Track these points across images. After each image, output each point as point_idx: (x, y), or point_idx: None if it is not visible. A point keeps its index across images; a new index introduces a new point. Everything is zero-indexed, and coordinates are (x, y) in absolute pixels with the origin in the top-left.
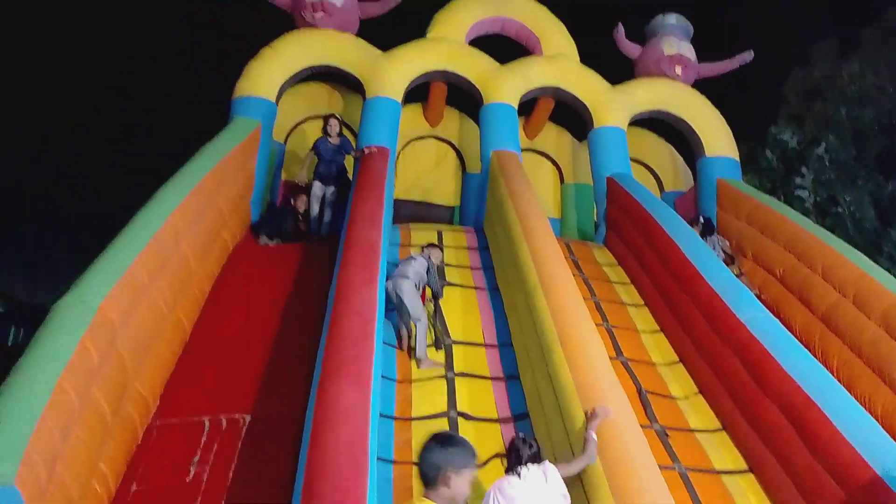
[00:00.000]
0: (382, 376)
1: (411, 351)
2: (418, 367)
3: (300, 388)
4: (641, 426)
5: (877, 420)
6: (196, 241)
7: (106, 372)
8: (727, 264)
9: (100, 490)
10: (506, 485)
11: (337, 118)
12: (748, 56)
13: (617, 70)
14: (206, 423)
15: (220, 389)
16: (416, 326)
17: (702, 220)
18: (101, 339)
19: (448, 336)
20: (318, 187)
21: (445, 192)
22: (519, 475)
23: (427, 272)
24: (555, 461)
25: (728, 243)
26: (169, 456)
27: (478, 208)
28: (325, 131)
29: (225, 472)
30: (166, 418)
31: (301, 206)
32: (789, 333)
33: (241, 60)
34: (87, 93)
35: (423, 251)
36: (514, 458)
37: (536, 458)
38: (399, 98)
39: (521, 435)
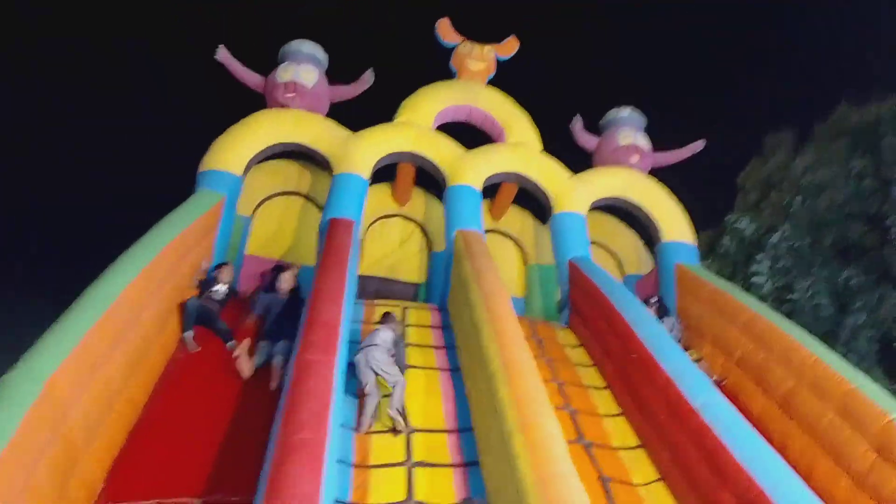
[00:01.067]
0: (339, 461)
1: (370, 427)
2: (396, 427)
3: (253, 470)
4: None
5: None
6: (153, 314)
7: (52, 450)
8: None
9: None
10: None
11: (294, 272)
12: (699, 145)
13: (576, 159)
14: None
15: (170, 471)
16: (394, 389)
17: (654, 300)
18: (49, 414)
19: (407, 424)
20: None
21: (411, 269)
22: None
23: (394, 343)
24: None
25: (681, 328)
26: None
27: (443, 286)
28: (274, 286)
29: None
30: (112, 501)
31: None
32: (743, 419)
33: (209, 138)
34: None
35: (384, 323)
36: None
37: None
38: (366, 175)
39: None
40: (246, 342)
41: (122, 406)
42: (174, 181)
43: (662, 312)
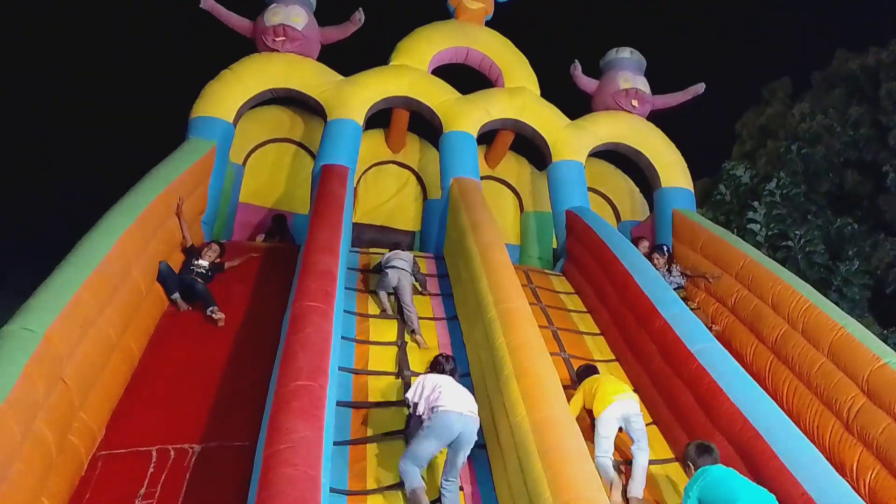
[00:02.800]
0: (338, 403)
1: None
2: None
3: (251, 418)
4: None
5: (826, 450)
6: (146, 265)
7: (51, 402)
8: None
9: None
10: (433, 374)
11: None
12: (700, 88)
13: (576, 104)
14: (154, 454)
15: (168, 419)
16: (410, 316)
17: (665, 248)
18: (46, 367)
19: (408, 367)
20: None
21: (406, 217)
22: (443, 371)
23: (414, 263)
24: (509, 495)
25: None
26: (114, 488)
27: (438, 235)
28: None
29: (172, 503)
30: (112, 449)
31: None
32: (738, 365)
33: (199, 84)
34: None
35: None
36: (437, 368)
37: (454, 374)
38: (360, 121)
39: (442, 353)
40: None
41: (119, 358)
42: (164, 128)
43: (667, 262)
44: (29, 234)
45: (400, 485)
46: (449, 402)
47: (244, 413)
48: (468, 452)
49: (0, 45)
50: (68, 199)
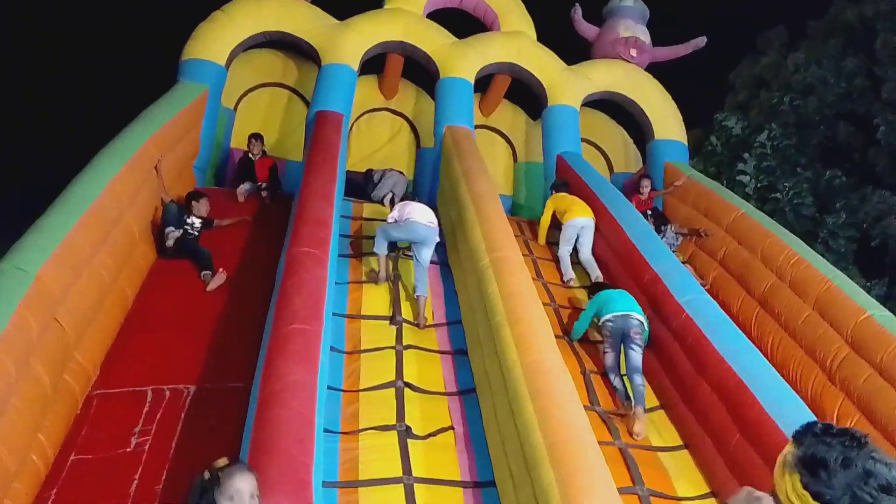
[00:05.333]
0: (332, 348)
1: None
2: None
3: (246, 360)
4: (584, 407)
5: (808, 399)
6: (139, 208)
7: (45, 341)
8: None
9: (38, 461)
10: (405, 202)
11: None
12: (701, 42)
13: (573, 51)
14: (149, 393)
15: (163, 361)
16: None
17: (650, 213)
18: (39, 307)
19: (400, 313)
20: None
21: (399, 165)
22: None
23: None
24: (499, 436)
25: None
26: (109, 426)
27: (431, 184)
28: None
29: (167, 442)
30: (107, 388)
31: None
32: (725, 315)
33: (191, 24)
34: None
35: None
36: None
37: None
38: (355, 66)
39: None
40: (221, 276)
41: (112, 301)
42: (155, 70)
43: (660, 222)
44: (18, 176)
45: (392, 426)
46: (415, 215)
47: (239, 356)
48: (430, 251)
49: None
50: (57, 140)
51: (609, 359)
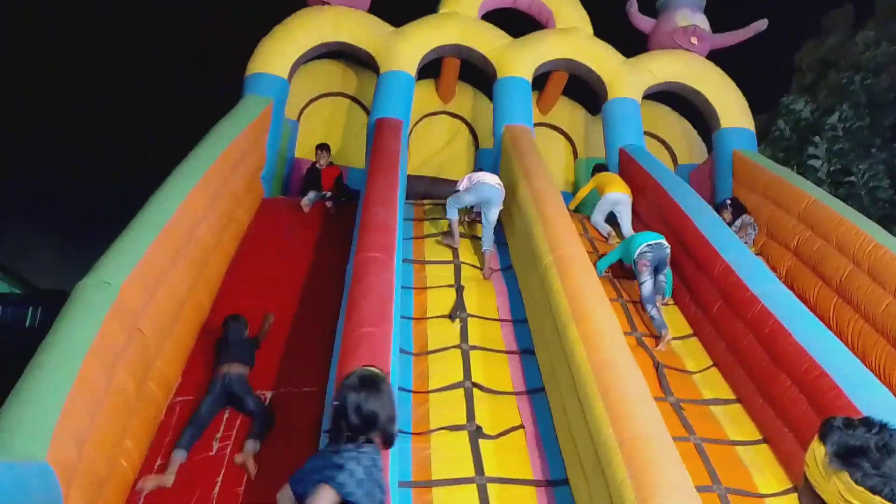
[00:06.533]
0: (401, 350)
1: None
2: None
3: (320, 365)
4: (656, 398)
5: (891, 390)
6: (212, 221)
7: (129, 351)
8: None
9: (126, 466)
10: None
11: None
12: (762, 24)
13: (630, 45)
14: None
15: None
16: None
17: (729, 201)
18: (123, 319)
19: (464, 310)
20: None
21: (458, 167)
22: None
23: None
24: (569, 434)
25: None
26: None
27: None
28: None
29: None
30: (188, 395)
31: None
32: (803, 305)
33: (253, 40)
34: (94, 74)
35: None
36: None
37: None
38: (413, 72)
39: None
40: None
41: (190, 311)
42: (221, 88)
43: (738, 212)
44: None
45: (463, 426)
46: (483, 178)
47: (313, 361)
48: (497, 210)
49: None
50: (130, 161)
51: (647, 288)
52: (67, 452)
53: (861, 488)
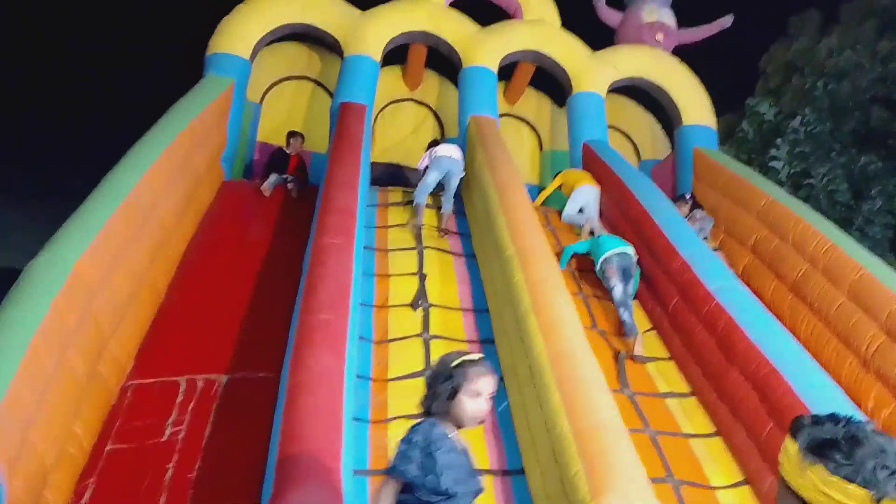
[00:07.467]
0: (360, 337)
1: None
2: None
3: (276, 350)
4: (613, 391)
5: (842, 387)
6: (173, 201)
7: (81, 333)
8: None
9: (74, 452)
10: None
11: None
12: (727, 21)
13: (598, 38)
14: (182, 384)
15: (195, 351)
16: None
17: (689, 196)
18: (76, 299)
19: (426, 299)
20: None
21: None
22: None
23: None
24: (526, 423)
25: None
26: (144, 416)
27: None
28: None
29: (201, 432)
30: (141, 379)
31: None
32: (758, 301)
33: (216, 18)
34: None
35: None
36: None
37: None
38: (378, 57)
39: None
40: None
41: (146, 292)
42: (180, 64)
43: (695, 205)
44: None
45: (422, 414)
46: (442, 151)
47: (268, 346)
48: (457, 179)
49: None
50: (90, 135)
51: (617, 292)
52: (12, 439)
53: (836, 478)
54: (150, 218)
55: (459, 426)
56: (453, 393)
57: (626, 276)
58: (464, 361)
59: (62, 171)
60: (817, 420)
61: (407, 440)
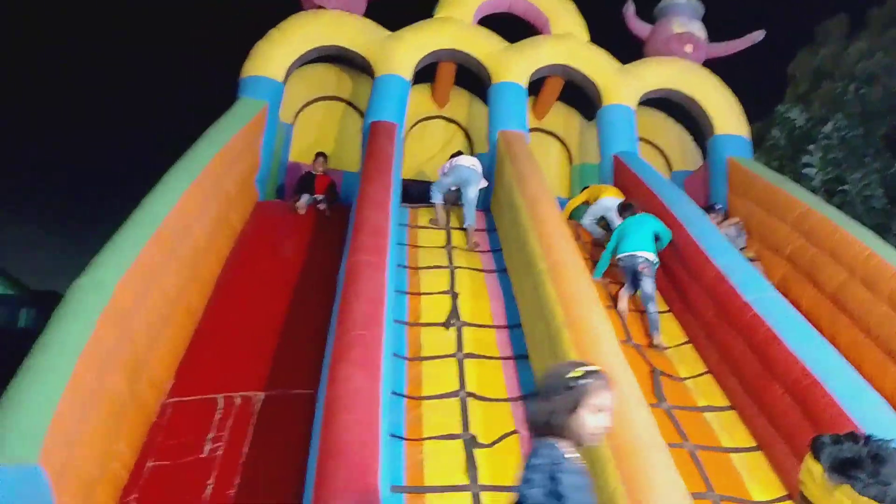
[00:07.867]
0: (394, 354)
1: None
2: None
3: (311, 367)
4: (650, 405)
5: (885, 399)
6: (205, 223)
7: (121, 353)
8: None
9: (117, 468)
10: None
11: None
12: (758, 35)
13: (627, 51)
14: (220, 401)
15: (232, 369)
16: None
17: (719, 206)
18: (116, 319)
19: (458, 318)
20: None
21: None
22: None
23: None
24: None
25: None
26: (183, 433)
27: (486, 189)
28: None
29: (239, 448)
30: (180, 396)
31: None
32: (796, 312)
33: (249, 43)
34: (89, 76)
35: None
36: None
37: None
38: (408, 76)
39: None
40: None
41: (181, 313)
42: (215, 90)
43: (726, 216)
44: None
45: (458, 435)
46: (460, 161)
47: (305, 363)
48: (475, 189)
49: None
50: (126, 158)
51: (623, 288)
52: (59, 455)
53: (865, 499)
54: (184, 240)
55: (578, 444)
56: (573, 408)
57: (635, 277)
58: (585, 373)
59: (99, 199)
60: (837, 439)
61: (530, 465)
